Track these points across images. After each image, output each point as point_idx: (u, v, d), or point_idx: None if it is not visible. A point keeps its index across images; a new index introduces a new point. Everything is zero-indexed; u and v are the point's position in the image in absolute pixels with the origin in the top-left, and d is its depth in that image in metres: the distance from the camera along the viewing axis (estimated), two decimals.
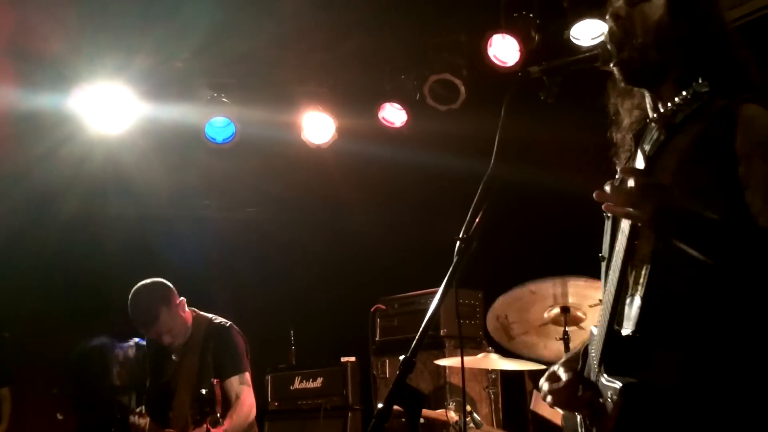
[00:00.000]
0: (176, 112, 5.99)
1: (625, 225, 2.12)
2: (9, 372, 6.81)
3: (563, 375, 2.29)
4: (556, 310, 4.88)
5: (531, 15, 5.26)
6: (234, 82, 6.03)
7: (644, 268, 2.08)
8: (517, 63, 5.28)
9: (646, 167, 2.08)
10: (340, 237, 7.57)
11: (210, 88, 5.99)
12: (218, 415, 4.21)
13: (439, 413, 5.11)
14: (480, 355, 5.23)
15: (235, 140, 6.02)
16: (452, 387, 5.72)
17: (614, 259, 2.14)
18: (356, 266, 7.33)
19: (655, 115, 2.24)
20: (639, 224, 2.04)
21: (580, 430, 2.23)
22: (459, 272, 2.10)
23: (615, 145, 2.43)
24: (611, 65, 2.27)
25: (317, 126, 6.18)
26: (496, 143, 2.20)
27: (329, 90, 6.14)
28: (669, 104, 2.05)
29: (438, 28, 5.67)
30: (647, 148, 2.13)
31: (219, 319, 4.55)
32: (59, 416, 7.47)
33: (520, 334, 5.14)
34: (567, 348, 4.75)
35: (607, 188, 2.04)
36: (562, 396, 2.25)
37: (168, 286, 4.43)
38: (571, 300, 4.82)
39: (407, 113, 6.02)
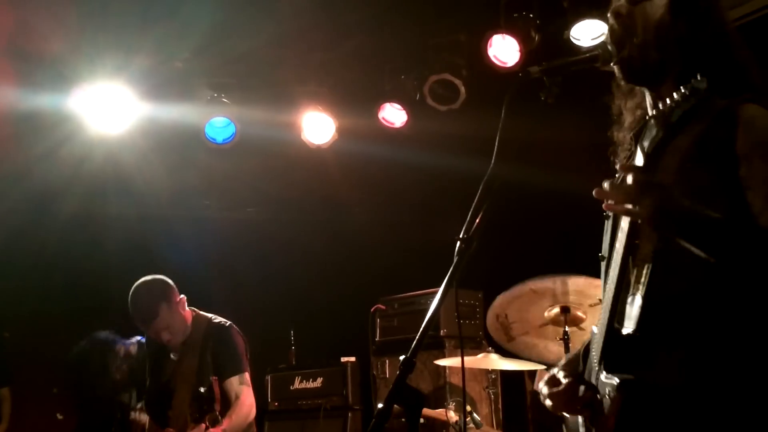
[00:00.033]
0: (176, 112, 5.99)
1: (624, 223, 2.12)
2: (9, 372, 6.81)
3: (563, 379, 2.28)
4: (556, 310, 4.87)
5: (531, 15, 5.26)
6: (234, 82, 6.03)
7: (645, 267, 2.08)
8: (517, 63, 5.28)
9: (645, 164, 2.08)
10: (340, 237, 7.57)
11: (210, 88, 5.99)
12: (217, 413, 4.22)
13: (439, 413, 5.11)
14: (480, 355, 5.23)
15: (235, 140, 6.02)
16: (452, 387, 5.73)
17: (614, 257, 2.14)
18: (356, 266, 7.33)
19: (654, 112, 2.24)
20: (639, 221, 2.04)
21: (581, 430, 2.23)
22: (459, 272, 2.10)
23: (615, 143, 2.43)
24: (612, 65, 2.28)
25: (317, 126, 6.19)
26: (496, 143, 2.20)
27: (329, 90, 6.14)
28: (668, 100, 2.05)
29: (438, 28, 5.68)
30: (646, 144, 2.14)
31: (219, 319, 4.54)
32: (59, 416, 7.47)
33: (519, 334, 5.14)
34: (567, 349, 4.75)
35: (606, 185, 2.04)
36: (561, 399, 2.25)
37: (168, 283, 4.43)
38: (571, 299, 4.82)
39: (407, 113, 6.02)
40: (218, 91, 5.97)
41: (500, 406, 5.78)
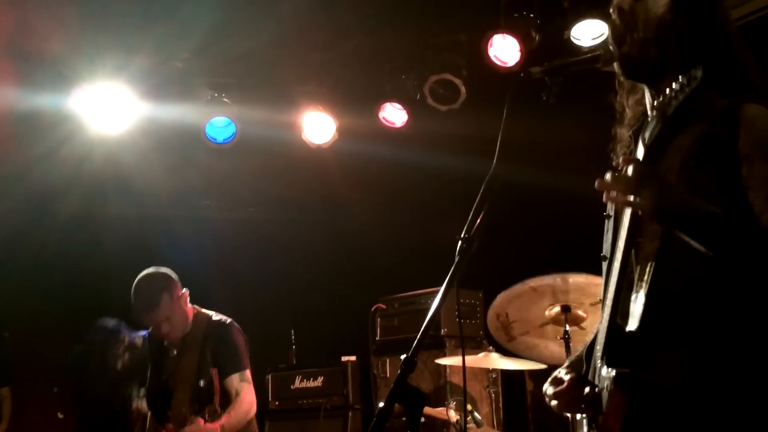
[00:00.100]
0: (176, 112, 5.99)
1: (626, 220, 2.12)
2: (9, 372, 6.81)
3: (565, 377, 2.29)
4: (557, 309, 4.87)
5: (531, 15, 5.26)
6: (234, 81, 6.03)
7: (649, 265, 2.08)
8: (517, 63, 5.28)
9: (645, 155, 2.09)
10: (341, 237, 7.57)
11: (210, 87, 5.99)
12: (216, 405, 4.22)
13: (439, 411, 5.11)
14: (480, 355, 5.23)
15: (236, 140, 6.02)
16: (453, 386, 5.73)
17: (616, 255, 2.14)
18: (357, 266, 7.33)
19: (654, 103, 2.23)
20: (640, 216, 2.03)
21: (585, 430, 2.23)
22: (460, 272, 2.10)
23: (614, 140, 2.44)
24: (613, 64, 2.28)
25: (317, 126, 6.19)
26: (498, 143, 2.20)
27: (329, 90, 6.14)
28: (667, 90, 2.05)
29: (438, 27, 5.68)
30: (647, 136, 2.14)
31: (219, 316, 4.54)
32: (60, 415, 7.47)
33: (520, 334, 5.13)
34: (567, 348, 4.74)
35: (608, 177, 2.04)
36: (564, 399, 2.25)
37: (172, 276, 4.45)
38: (571, 297, 4.81)
39: (407, 113, 6.02)
40: (218, 90, 5.97)
41: (501, 405, 5.78)
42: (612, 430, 2.01)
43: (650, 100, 2.29)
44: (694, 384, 1.98)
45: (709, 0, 2.27)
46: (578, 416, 2.28)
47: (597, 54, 2.28)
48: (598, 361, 2.13)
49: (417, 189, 7.10)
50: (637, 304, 2.08)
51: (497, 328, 5.17)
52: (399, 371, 1.98)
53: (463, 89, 5.62)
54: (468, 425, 4.94)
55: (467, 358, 5.13)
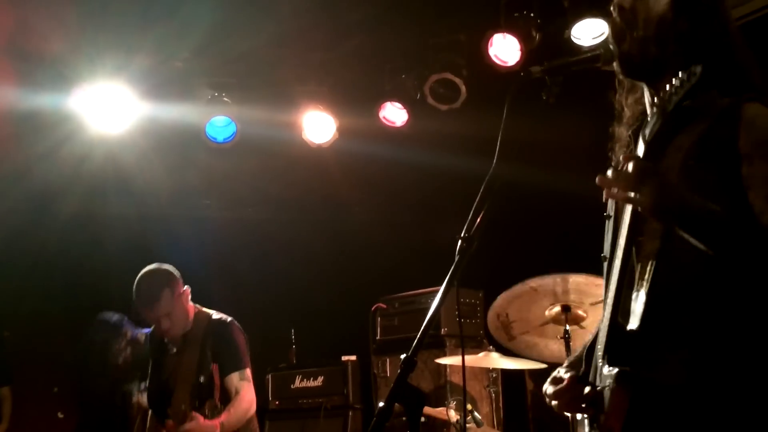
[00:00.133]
0: (176, 112, 5.99)
1: (626, 218, 2.12)
2: (9, 371, 6.80)
3: (565, 375, 2.29)
4: (557, 309, 4.87)
5: (531, 14, 5.26)
6: (234, 81, 6.03)
7: (649, 264, 2.08)
8: (517, 63, 5.28)
9: (645, 152, 2.09)
10: (341, 236, 7.57)
11: (210, 87, 5.99)
12: (217, 400, 4.23)
13: (439, 411, 5.11)
14: (481, 354, 5.23)
15: (236, 140, 6.02)
16: (453, 386, 5.73)
17: (617, 253, 2.14)
18: (357, 265, 7.33)
19: (654, 100, 2.23)
20: (640, 212, 2.03)
21: (587, 429, 2.23)
22: (460, 271, 2.10)
23: (613, 139, 2.44)
24: (613, 64, 2.28)
25: (318, 125, 6.19)
26: (498, 143, 2.20)
27: (330, 89, 6.14)
28: (667, 86, 2.06)
29: (439, 27, 5.68)
30: (647, 132, 2.14)
31: (220, 315, 4.55)
32: (60, 415, 7.47)
33: (520, 333, 5.14)
34: (568, 347, 4.74)
35: (609, 173, 2.04)
36: (565, 398, 2.25)
37: (174, 272, 4.46)
38: (572, 297, 4.82)
39: (408, 113, 6.02)
40: (219, 90, 5.97)
41: (501, 404, 5.77)
42: (613, 428, 2.01)
43: (649, 98, 2.29)
44: (695, 383, 1.98)
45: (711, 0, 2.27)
46: (579, 416, 2.28)
47: (597, 53, 2.28)
48: (600, 360, 2.12)
49: (417, 189, 7.10)
50: (638, 303, 2.08)
51: (497, 328, 5.17)
52: (399, 371, 1.98)
53: (463, 89, 5.62)
54: (468, 425, 4.94)
55: (467, 357, 5.16)
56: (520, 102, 2.21)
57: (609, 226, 2.30)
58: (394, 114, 6.08)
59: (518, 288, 4.90)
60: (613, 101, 2.45)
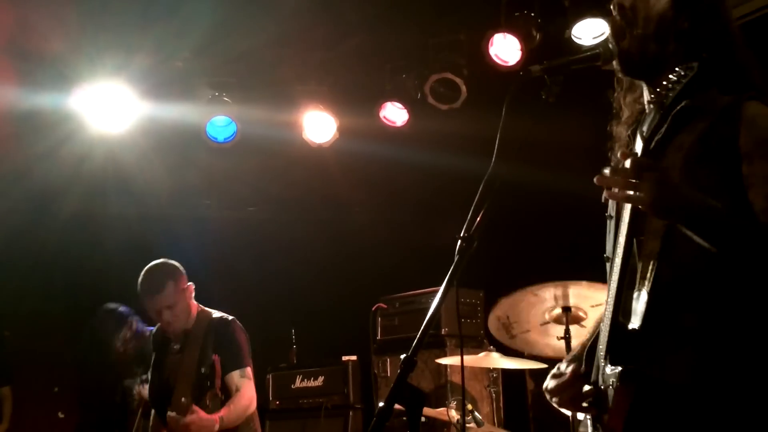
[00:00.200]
0: (177, 112, 5.99)
1: (626, 216, 2.12)
2: (9, 371, 6.81)
3: (566, 369, 2.29)
4: (558, 311, 4.87)
5: (532, 14, 5.26)
6: (234, 81, 6.02)
7: (651, 263, 2.07)
8: (518, 62, 5.28)
9: (643, 148, 2.09)
10: (341, 236, 7.57)
11: (211, 87, 5.99)
12: (217, 389, 4.26)
13: (439, 412, 5.11)
14: (481, 354, 5.23)
15: (236, 139, 6.01)
16: (453, 386, 5.73)
17: (617, 251, 2.14)
18: (357, 265, 7.33)
19: (653, 96, 2.22)
20: (640, 207, 2.02)
21: (590, 429, 2.23)
22: (460, 271, 2.10)
23: (612, 138, 2.44)
24: (612, 63, 2.28)
25: (318, 125, 6.18)
26: (497, 142, 2.20)
27: (330, 89, 6.13)
28: (664, 82, 2.05)
29: (439, 26, 5.68)
30: (644, 129, 2.14)
31: (222, 314, 4.58)
32: (60, 415, 7.47)
33: (521, 332, 5.14)
34: (568, 347, 4.74)
35: (606, 171, 2.04)
36: (567, 394, 2.24)
37: (179, 267, 4.51)
38: (572, 301, 4.82)
39: (408, 112, 6.02)
40: (219, 90, 5.96)
41: (501, 404, 5.77)
42: (616, 428, 2.01)
43: (648, 96, 2.29)
44: (700, 382, 1.98)
45: None
46: (582, 416, 2.27)
47: (597, 52, 2.28)
48: (602, 360, 2.12)
49: (417, 189, 7.09)
50: (640, 303, 2.07)
51: (498, 328, 5.17)
52: (399, 370, 1.97)
53: (463, 88, 5.62)
54: (468, 425, 4.93)
55: (468, 357, 5.17)
56: (520, 101, 2.21)
57: (610, 226, 2.29)
58: (395, 114, 6.08)
59: (518, 294, 4.91)
60: (611, 100, 2.45)
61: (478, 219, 2.12)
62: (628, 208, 2.13)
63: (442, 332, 5.82)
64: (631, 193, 1.97)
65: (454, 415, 5.04)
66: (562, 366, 2.33)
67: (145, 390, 5.15)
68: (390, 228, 7.24)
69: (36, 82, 5.59)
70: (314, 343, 7.01)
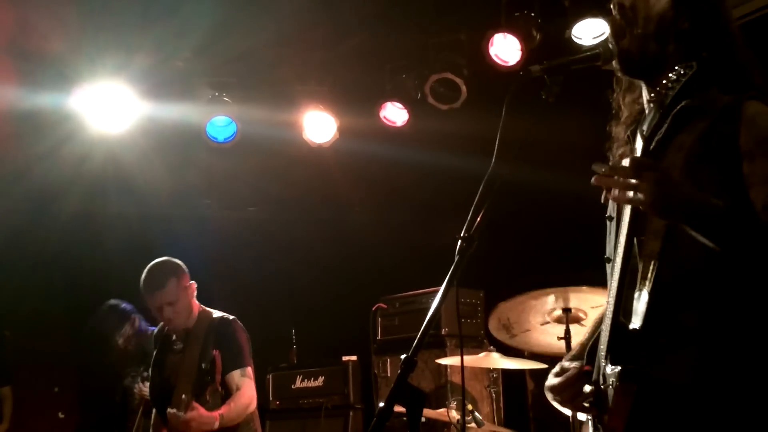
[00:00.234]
0: (177, 112, 5.99)
1: (626, 216, 2.12)
2: (9, 371, 6.81)
3: (568, 366, 2.28)
4: (558, 312, 4.88)
5: (532, 14, 5.26)
6: (235, 81, 6.02)
7: (652, 263, 2.07)
8: (518, 62, 5.28)
9: (643, 147, 2.08)
10: (342, 236, 7.57)
11: (211, 87, 5.99)
12: (218, 383, 4.27)
13: (440, 413, 5.11)
14: (481, 354, 5.23)
15: (236, 139, 6.01)
16: (454, 386, 5.72)
17: (618, 251, 2.14)
18: (357, 265, 7.33)
19: (652, 95, 2.22)
20: (641, 208, 2.02)
21: (591, 430, 2.23)
22: (460, 271, 2.10)
23: (611, 139, 2.44)
24: (612, 63, 2.28)
25: (318, 125, 6.18)
26: (497, 142, 2.20)
27: (330, 89, 6.13)
28: (664, 81, 2.05)
29: (439, 26, 5.68)
30: (644, 128, 2.13)
31: (223, 314, 4.60)
32: (61, 415, 7.47)
33: (521, 332, 5.14)
34: (569, 347, 4.74)
35: (603, 170, 2.04)
36: (570, 392, 2.23)
37: (183, 266, 4.54)
38: (573, 304, 4.82)
39: (408, 112, 6.02)
40: (219, 90, 5.96)
41: (501, 405, 5.78)
42: (617, 427, 2.01)
43: (647, 96, 2.29)
44: (702, 382, 1.98)
45: None
46: (583, 417, 2.27)
47: (597, 52, 2.28)
48: (603, 360, 2.12)
49: (417, 188, 7.09)
50: (641, 303, 2.07)
51: (498, 328, 5.18)
52: (399, 371, 1.97)
53: (464, 88, 5.61)
54: (469, 425, 4.93)
55: (468, 357, 5.17)
56: (520, 101, 2.21)
57: (611, 227, 2.29)
58: (395, 114, 6.08)
59: (518, 299, 4.92)
60: (610, 100, 2.45)
61: (479, 219, 2.12)
62: (628, 208, 2.13)
63: (443, 332, 5.82)
64: (631, 194, 1.97)
65: (455, 415, 5.04)
66: (565, 363, 2.32)
67: (146, 388, 5.16)
68: (390, 228, 7.24)
69: (36, 82, 5.60)
70: (314, 343, 7.01)
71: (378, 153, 6.30)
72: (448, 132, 5.83)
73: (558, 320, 4.89)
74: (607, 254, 2.28)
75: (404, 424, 1.97)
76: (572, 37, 5.01)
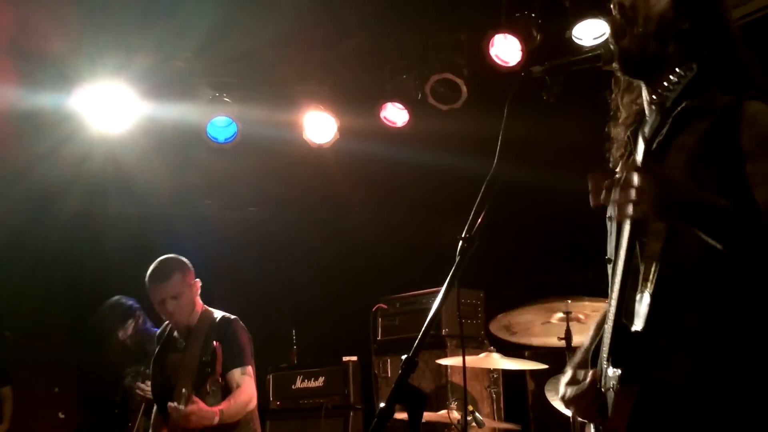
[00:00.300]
0: (177, 112, 5.99)
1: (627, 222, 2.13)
2: (10, 371, 6.81)
3: (582, 378, 2.25)
4: (560, 314, 4.88)
5: (532, 14, 5.26)
6: (235, 81, 6.02)
7: (653, 265, 2.07)
8: (518, 63, 5.28)
9: (645, 150, 2.08)
10: (342, 236, 7.57)
11: (211, 87, 5.99)
12: (218, 375, 4.28)
13: (440, 415, 5.11)
14: (482, 355, 5.23)
15: (237, 140, 6.01)
16: (454, 386, 5.72)
17: (620, 255, 2.14)
18: (358, 265, 7.33)
19: (653, 97, 2.21)
20: (644, 216, 2.02)
21: (592, 430, 2.22)
22: (461, 272, 2.09)
23: (610, 139, 2.44)
24: (613, 63, 2.28)
25: (318, 125, 6.18)
26: (498, 143, 2.20)
27: (330, 89, 6.13)
28: (665, 83, 2.05)
29: (439, 27, 5.67)
30: (646, 130, 2.13)
31: (224, 314, 4.61)
32: (61, 415, 7.47)
33: (521, 330, 5.15)
34: (569, 347, 4.74)
35: (604, 195, 2.05)
36: (585, 402, 2.20)
37: (189, 264, 4.59)
38: (573, 309, 4.83)
39: (409, 113, 6.02)
40: (219, 90, 5.96)
41: (502, 405, 5.77)
42: (618, 429, 2.01)
43: (647, 97, 2.29)
44: (705, 382, 1.98)
45: None
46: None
47: (598, 53, 2.28)
48: (605, 362, 2.12)
49: (418, 189, 7.09)
50: (642, 305, 2.07)
51: (498, 329, 5.19)
52: (400, 371, 1.97)
53: (464, 89, 5.61)
54: (469, 425, 4.93)
55: (468, 358, 5.16)
56: (521, 102, 2.21)
57: (612, 228, 2.29)
58: (395, 114, 6.08)
59: (518, 310, 4.94)
60: (608, 101, 2.45)
61: (479, 219, 2.12)
62: None
63: (443, 333, 5.82)
64: (634, 209, 1.96)
65: (456, 415, 5.04)
66: (580, 374, 2.29)
67: (148, 387, 5.17)
68: (390, 228, 7.23)
69: (36, 82, 5.60)
70: (315, 344, 7.00)
71: (378, 153, 6.30)
72: (449, 132, 5.83)
73: (559, 320, 4.90)
74: (608, 255, 2.28)
75: (405, 424, 1.97)
76: (573, 37, 5.01)
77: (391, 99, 6.00)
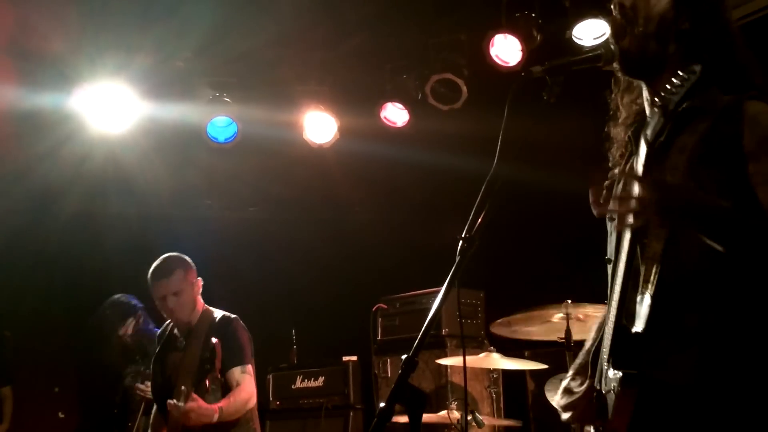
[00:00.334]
0: (177, 112, 5.99)
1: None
2: (10, 371, 6.81)
3: (576, 388, 2.27)
4: (560, 315, 4.88)
5: (533, 14, 5.25)
6: (235, 81, 6.02)
7: (654, 266, 2.07)
8: (518, 63, 5.28)
9: (647, 153, 2.08)
10: (342, 236, 7.57)
11: (211, 87, 5.98)
12: (217, 371, 4.28)
13: (440, 416, 5.11)
14: (482, 355, 5.23)
15: (237, 140, 6.01)
16: (454, 386, 5.72)
17: (621, 256, 2.14)
18: (358, 265, 7.33)
19: (656, 99, 2.22)
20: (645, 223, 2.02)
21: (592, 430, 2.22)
22: (461, 272, 2.10)
23: (610, 139, 2.44)
24: (613, 64, 2.28)
25: (319, 125, 6.18)
26: (499, 143, 2.20)
27: (330, 89, 6.13)
28: (668, 86, 2.05)
29: (439, 27, 5.67)
30: (648, 133, 2.13)
31: (225, 313, 4.62)
32: (61, 415, 7.47)
33: (522, 328, 5.15)
34: (569, 347, 4.74)
35: (608, 207, 2.05)
36: (579, 409, 2.22)
37: (192, 263, 4.61)
38: (573, 312, 4.84)
39: (409, 113, 6.02)
40: (220, 90, 5.96)
41: (502, 405, 5.77)
42: (619, 429, 2.00)
43: (648, 97, 2.29)
44: (705, 383, 1.98)
45: None
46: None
47: (598, 53, 2.28)
48: (605, 363, 2.12)
49: (418, 189, 7.09)
50: (643, 306, 2.07)
51: (498, 327, 5.19)
52: (400, 371, 1.97)
53: (464, 89, 5.61)
54: (469, 425, 4.93)
55: (468, 358, 5.16)
56: (521, 102, 2.21)
57: (612, 228, 2.29)
58: (395, 114, 6.08)
59: (518, 315, 4.94)
60: (608, 101, 2.45)
61: (480, 220, 2.12)
62: None
63: (443, 333, 5.82)
64: (635, 219, 1.97)
65: (456, 415, 5.04)
66: (573, 384, 2.31)
67: (148, 387, 5.17)
68: (390, 228, 7.23)
69: (36, 82, 5.60)
70: (315, 343, 7.00)
71: (378, 153, 6.30)
72: (449, 132, 5.82)
73: (560, 319, 4.91)
74: (608, 255, 2.28)
75: (405, 424, 1.97)
76: (573, 37, 5.01)
77: (391, 99, 6.00)
